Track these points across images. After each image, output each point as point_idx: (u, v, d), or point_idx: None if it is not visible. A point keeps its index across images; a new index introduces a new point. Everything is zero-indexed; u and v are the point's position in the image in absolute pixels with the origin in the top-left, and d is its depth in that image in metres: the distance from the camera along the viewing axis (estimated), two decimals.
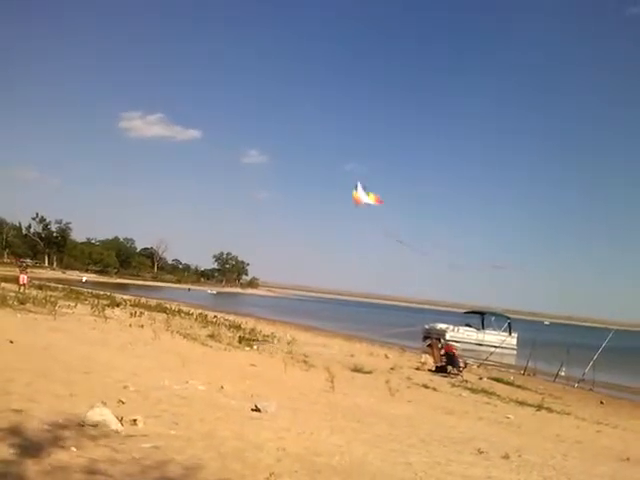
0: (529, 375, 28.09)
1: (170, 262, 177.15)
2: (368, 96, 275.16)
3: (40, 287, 36.96)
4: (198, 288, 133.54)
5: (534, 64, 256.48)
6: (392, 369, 22.03)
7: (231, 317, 37.77)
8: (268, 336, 27.66)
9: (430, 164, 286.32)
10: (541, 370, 29.31)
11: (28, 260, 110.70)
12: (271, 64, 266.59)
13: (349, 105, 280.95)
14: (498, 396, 18.24)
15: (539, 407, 16.64)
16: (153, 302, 39.90)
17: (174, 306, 38.42)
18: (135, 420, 6.45)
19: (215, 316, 34.84)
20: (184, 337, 21.36)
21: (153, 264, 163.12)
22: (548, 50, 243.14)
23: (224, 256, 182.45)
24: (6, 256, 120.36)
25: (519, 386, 22.43)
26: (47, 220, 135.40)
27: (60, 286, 43.97)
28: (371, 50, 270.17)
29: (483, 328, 48.93)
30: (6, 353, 10.07)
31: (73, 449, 4.87)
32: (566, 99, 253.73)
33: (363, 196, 23.66)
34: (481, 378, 23.45)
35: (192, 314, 32.92)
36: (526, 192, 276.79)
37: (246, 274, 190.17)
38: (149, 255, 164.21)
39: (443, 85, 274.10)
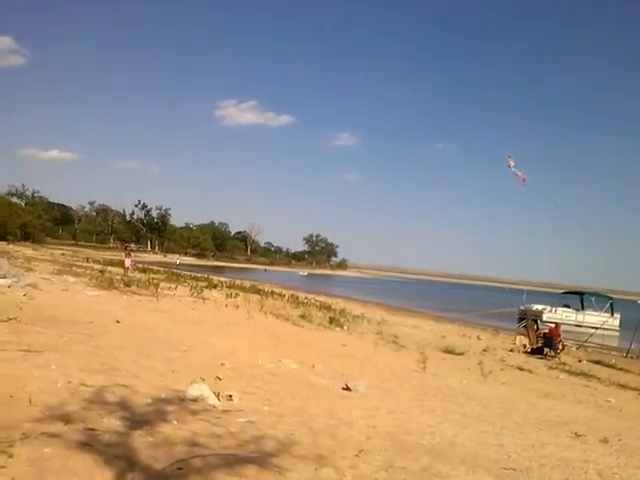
0: (632, 357, 26.65)
1: (262, 245, 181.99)
2: (463, 73, 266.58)
3: (144, 270, 39.01)
4: (288, 270, 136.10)
5: None
6: (485, 350, 21.64)
7: (321, 298, 38.27)
8: (358, 317, 27.86)
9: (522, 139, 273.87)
10: None
11: (132, 245, 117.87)
12: (362, 46, 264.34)
13: (441, 84, 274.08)
14: (598, 379, 17.49)
15: None
16: (247, 284, 41.02)
17: (267, 287, 39.39)
18: (231, 396, 6.76)
19: (306, 297, 35.44)
20: (277, 317, 21.95)
21: (246, 247, 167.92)
22: None
23: (314, 238, 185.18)
24: (112, 241, 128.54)
25: (621, 369, 21.37)
26: (148, 207, 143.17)
27: (162, 269, 46.13)
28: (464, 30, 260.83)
29: (582, 309, 46.97)
30: (113, 332, 10.78)
31: (174, 422, 5.19)
32: None
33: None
34: (580, 360, 22.55)
35: (284, 295, 33.64)
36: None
37: (335, 256, 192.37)
38: (242, 239, 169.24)
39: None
